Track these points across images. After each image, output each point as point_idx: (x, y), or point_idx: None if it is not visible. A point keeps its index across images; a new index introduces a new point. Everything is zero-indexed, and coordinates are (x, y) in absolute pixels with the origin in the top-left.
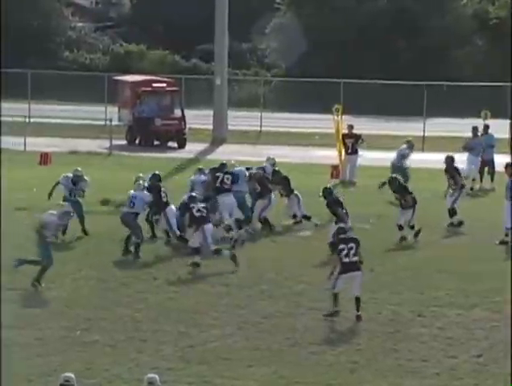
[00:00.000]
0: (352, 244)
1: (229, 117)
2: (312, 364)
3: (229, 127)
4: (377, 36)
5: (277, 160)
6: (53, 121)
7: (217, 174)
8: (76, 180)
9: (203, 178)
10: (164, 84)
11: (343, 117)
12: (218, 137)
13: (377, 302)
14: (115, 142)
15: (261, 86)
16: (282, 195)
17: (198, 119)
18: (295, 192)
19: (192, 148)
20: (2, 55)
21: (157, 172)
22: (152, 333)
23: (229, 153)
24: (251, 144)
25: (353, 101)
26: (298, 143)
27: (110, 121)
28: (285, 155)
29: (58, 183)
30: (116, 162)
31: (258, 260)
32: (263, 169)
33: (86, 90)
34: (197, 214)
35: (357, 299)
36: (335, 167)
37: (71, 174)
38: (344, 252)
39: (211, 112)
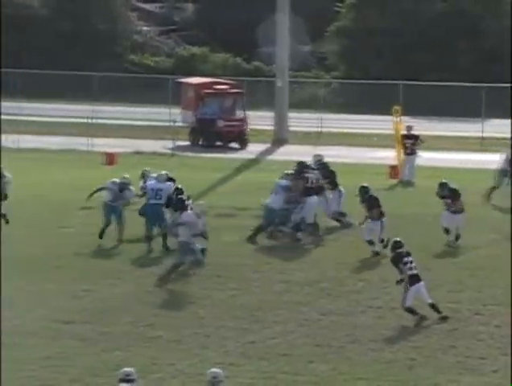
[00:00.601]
0: (410, 257)
1: (289, 118)
2: (371, 361)
3: (290, 128)
4: (436, 38)
5: (337, 160)
6: (118, 122)
7: (306, 174)
8: (123, 188)
9: (284, 182)
10: (227, 86)
11: (402, 118)
12: (279, 138)
13: (436, 300)
14: (178, 143)
15: (321, 88)
16: (327, 188)
17: (260, 120)
18: (340, 188)
19: (254, 149)
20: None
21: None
22: (215, 329)
23: (289, 153)
24: (311, 145)
25: (411, 103)
26: (357, 144)
27: (174, 122)
28: (344, 156)
29: (102, 188)
30: (179, 162)
31: (319, 259)
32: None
33: (151, 92)
34: None
35: (432, 305)
36: (393, 168)
37: (118, 181)
38: (408, 265)
39: (272, 114)
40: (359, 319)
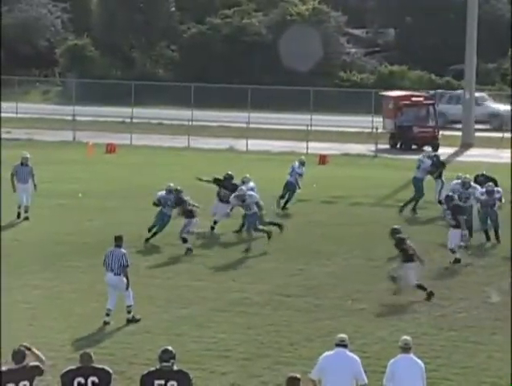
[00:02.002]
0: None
1: (475, 124)
2: None
3: (476, 134)
4: None
5: None
6: (330, 129)
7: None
8: (243, 199)
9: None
10: (422, 98)
11: None
12: (466, 142)
13: None
14: (380, 146)
15: (503, 99)
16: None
17: (449, 127)
18: (443, 178)
19: (445, 151)
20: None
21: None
22: (409, 304)
23: (475, 155)
24: (495, 148)
25: None
26: None
27: (376, 129)
28: None
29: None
30: (381, 162)
31: (501, 246)
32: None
33: (357, 104)
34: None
35: (419, 285)
36: None
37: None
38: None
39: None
40: None
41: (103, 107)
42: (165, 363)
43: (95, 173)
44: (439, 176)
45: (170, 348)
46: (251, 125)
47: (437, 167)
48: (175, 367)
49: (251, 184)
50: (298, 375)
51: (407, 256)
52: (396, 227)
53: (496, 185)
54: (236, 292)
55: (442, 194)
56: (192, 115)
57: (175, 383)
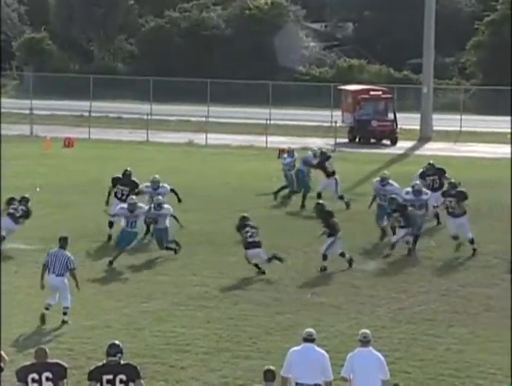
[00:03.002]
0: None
1: (433, 119)
2: (504, 327)
3: (434, 128)
4: None
5: (476, 155)
6: (289, 123)
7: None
8: (131, 209)
9: None
10: (380, 92)
11: None
12: (425, 136)
13: None
14: (339, 140)
15: (461, 93)
16: None
17: (408, 121)
18: (336, 176)
19: (403, 145)
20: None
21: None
22: (369, 297)
23: (433, 149)
24: (452, 142)
25: None
26: (494, 141)
27: (335, 122)
28: (484, 151)
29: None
30: (339, 156)
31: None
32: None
33: (315, 97)
34: None
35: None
36: None
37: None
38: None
39: (418, 116)
40: (493, 290)
41: (61, 101)
42: (112, 358)
43: (53, 167)
44: (333, 174)
45: (117, 342)
46: (210, 119)
47: (322, 162)
48: (122, 361)
49: (162, 188)
50: (272, 368)
51: (336, 229)
52: (320, 202)
53: (444, 173)
54: (196, 286)
55: (338, 190)
56: (150, 109)
57: (123, 376)
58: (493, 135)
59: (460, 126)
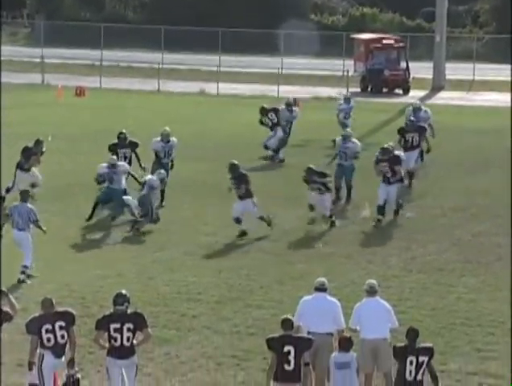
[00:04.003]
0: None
1: (446, 68)
2: None
3: (447, 77)
4: None
5: (489, 104)
6: (300, 72)
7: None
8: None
9: None
10: (392, 41)
11: None
12: (437, 85)
13: None
14: (351, 90)
15: (474, 42)
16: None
17: (420, 70)
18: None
19: (415, 94)
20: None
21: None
22: (380, 247)
23: (446, 98)
24: (465, 91)
25: None
26: (506, 89)
27: (347, 72)
28: (496, 100)
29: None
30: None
31: (468, 189)
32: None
33: (328, 46)
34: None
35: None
36: None
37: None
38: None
39: (431, 65)
40: (504, 240)
41: (72, 49)
42: (119, 307)
43: (65, 116)
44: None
45: (124, 292)
46: (222, 69)
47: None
48: (129, 310)
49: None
50: (290, 317)
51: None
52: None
53: (425, 131)
54: (207, 236)
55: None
56: (162, 58)
57: (131, 325)
58: (505, 84)
59: (473, 75)
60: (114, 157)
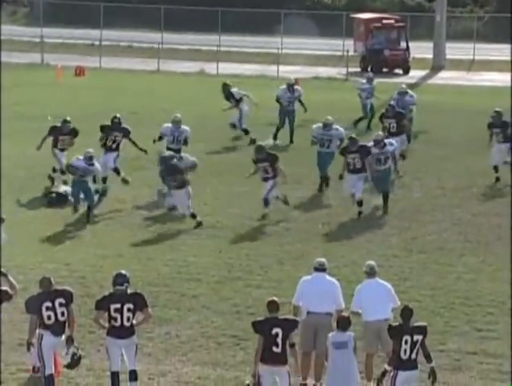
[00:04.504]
0: None
1: (446, 48)
2: None
3: (447, 56)
4: None
5: (489, 84)
6: (301, 52)
7: None
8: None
9: None
10: (392, 21)
11: None
12: (437, 65)
13: None
14: (351, 70)
15: (474, 21)
16: None
17: (420, 50)
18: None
19: (415, 74)
20: None
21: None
22: (379, 227)
23: (446, 78)
24: (465, 71)
25: None
26: (507, 69)
27: (347, 51)
28: (497, 80)
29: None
30: (352, 86)
31: (469, 169)
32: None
33: (327, 26)
34: None
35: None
36: None
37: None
38: None
39: (431, 44)
40: (505, 220)
41: (71, 29)
42: (119, 287)
43: (64, 96)
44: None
45: (123, 272)
46: (222, 49)
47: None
48: (129, 291)
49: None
50: (275, 299)
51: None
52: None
53: (403, 117)
54: (207, 216)
55: None
56: (161, 38)
57: (131, 305)
58: (506, 63)
59: (473, 55)
60: (91, 150)
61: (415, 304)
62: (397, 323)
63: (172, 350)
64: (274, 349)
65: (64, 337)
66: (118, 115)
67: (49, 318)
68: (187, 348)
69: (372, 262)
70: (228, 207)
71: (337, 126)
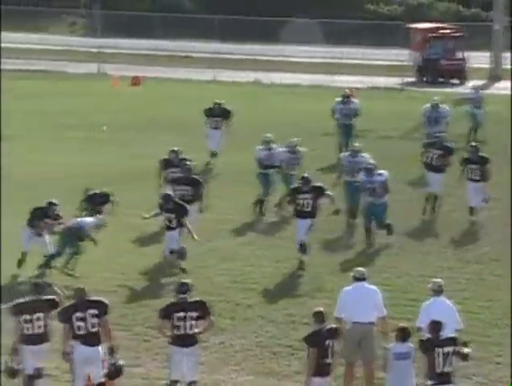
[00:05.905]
0: None
1: (504, 57)
2: None
3: (504, 66)
4: None
5: None
6: (357, 62)
7: None
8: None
9: None
10: (449, 30)
11: None
12: (495, 75)
13: None
14: (406, 80)
15: None
16: None
17: (477, 59)
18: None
19: (471, 84)
20: None
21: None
22: (434, 239)
23: (502, 88)
24: None
25: None
26: None
27: (404, 61)
28: None
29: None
30: (407, 95)
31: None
32: None
33: (384, 36)
34: None
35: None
36: None
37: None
38: None
39: (488, 54)
40: None
41: (128, 39)
42: (182, 295)
43: (121, 106)
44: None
45: (186, 281)
46: (279, 58)
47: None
48: (191, 299)
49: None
50: (321, 309)
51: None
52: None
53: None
54: (264, 225)
55: None
56: (217, 47)
57: (194, 313)
58: None
59: None
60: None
61: (472, 316)
62: (427, 337)
63: (226, 359)
64: (327, 360)
65: (100, 348)
66: (176, 148)
67: (79, 328)
68: (242, 358)
69: (439, 280)
70: (289, 218)
71: (364, 154)
